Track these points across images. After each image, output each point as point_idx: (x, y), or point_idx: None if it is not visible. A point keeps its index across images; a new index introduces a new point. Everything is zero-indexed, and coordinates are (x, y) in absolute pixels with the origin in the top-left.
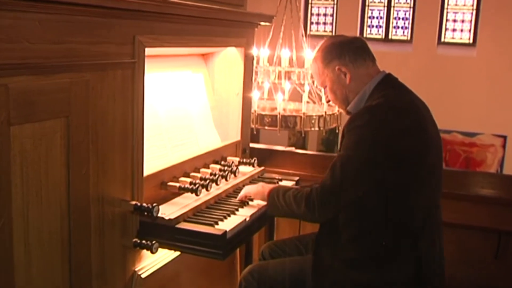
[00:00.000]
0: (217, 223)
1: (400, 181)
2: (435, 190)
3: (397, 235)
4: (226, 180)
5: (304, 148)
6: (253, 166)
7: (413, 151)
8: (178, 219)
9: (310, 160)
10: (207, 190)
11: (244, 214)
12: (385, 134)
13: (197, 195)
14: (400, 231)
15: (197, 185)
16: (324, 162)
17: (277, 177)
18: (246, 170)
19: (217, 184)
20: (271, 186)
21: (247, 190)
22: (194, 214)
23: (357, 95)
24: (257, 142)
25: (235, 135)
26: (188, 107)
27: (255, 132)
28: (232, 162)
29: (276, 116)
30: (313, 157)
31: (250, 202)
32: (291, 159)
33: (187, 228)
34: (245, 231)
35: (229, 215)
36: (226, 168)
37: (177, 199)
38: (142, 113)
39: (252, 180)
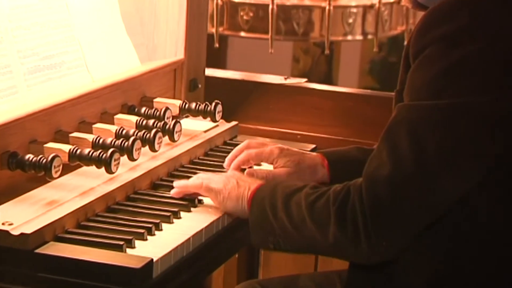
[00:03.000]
0: (131, 244)
1: None
2: None
3: None
4: (153, 148)
5: (328, 81)
6: (214, 118)
7: None
8: (42, 236)
9: (341, 107)
10: (108, 170)
11: (190, 225)
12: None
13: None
14: None
15: (86, 160)
16: (376, 113)
17: (269, 143)
18: (198, 128)
19: (132, 158)
20: (257, 182)
21: (198, 181)
22: (81, 224)
23: None
24: (223, 67)
25: (172, 51)
26: None
27: (217, 45)
28: (166, 109)
29: (266, 7)
30: (350, 101)
31: (203, 200)
32: (300, 105)
33: (64, 255)
34: (193, 263)
35: (158, 226)
36: (152, 122)
37: (41, 191)
38: None
39: (212, 150)
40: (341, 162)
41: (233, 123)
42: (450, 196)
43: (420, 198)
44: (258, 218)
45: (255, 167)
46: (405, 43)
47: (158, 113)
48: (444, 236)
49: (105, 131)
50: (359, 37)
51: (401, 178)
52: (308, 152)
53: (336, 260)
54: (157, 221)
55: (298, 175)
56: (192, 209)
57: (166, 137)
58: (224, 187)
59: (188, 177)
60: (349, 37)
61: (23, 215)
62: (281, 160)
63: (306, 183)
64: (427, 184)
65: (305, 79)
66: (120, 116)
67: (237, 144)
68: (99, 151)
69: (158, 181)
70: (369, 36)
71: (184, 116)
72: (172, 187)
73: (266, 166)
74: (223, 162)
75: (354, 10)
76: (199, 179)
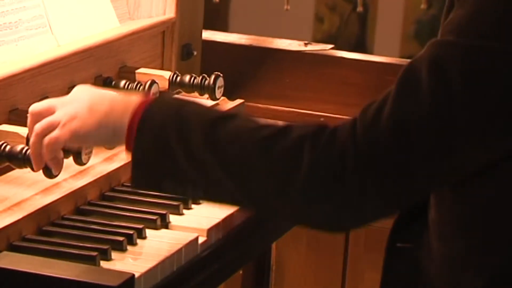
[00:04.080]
0: (106, 255)
1: None
2: None
3: None
4: None
5: (361, 48)
6: (213, 95)
7: None
8: None
9: (377, 81)
10: (78, 161)
11: (182, 232)
12: None
13: (47, 174)
14: None
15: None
16: None
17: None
18: None
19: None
20: (141, 98)
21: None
22: (43, 229)
23: None
24: (225, 29)
25: (159, 8)
26: None
27: (218, 0)
28: (152, 82)
29: None
30: (389, 74)
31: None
32: (324, 79)
33: (20, 269)
34: (186, 280)
35: (141, 233)
36: None
37: None
38: None
39: None
40: None
41: (238, 101)
42: (467, 162)
43: (429, 154)
44: (148, 154)
45: None
46: None
47: (141, 87)
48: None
49: None
50: None
51: (411, 123)
52: None
53: (368, 276)
54: (140, 226)
55: None
56: (184, 211)
57: None
58: (81, 105)
59: None
60: None
61: None
62: None
63: None
64: (443, 137)
65: (331, 45)
66: None
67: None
68: None
69: None
70: None
71: (175, 91)
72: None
73: None
74: None
75: None
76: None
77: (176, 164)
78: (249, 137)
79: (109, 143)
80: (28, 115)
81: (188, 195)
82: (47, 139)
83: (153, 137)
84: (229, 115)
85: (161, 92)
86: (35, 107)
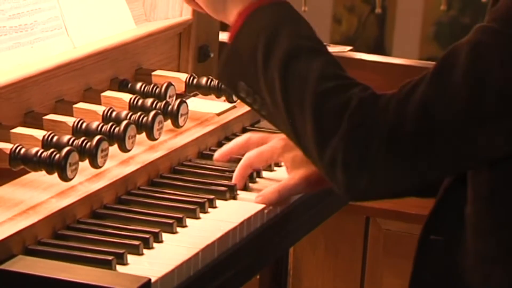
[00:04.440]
0: (122, 259)
1: None
2: None
3: None
4: (151, 136)
5: (380, 49)
6: (230, 97)
7: None
8: (8, 248)
9: (396, 84)
10: (94, 164)
11: (199, 235)
12: None
13: (63, 177)
14: None
15: (66, 150)
16: None
17: (271, 135)
18: (209, 110)
19: (124, 148)
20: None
21: None
22: (58, 232)
23: None
24: None
25: (176, 9)
26: None
27: None
28: (169, 85)
29: None
30: (408, 76)
31: (216, 202)
32: None
33: (35, 273)
34: (203, 285)
35: (157, 237)
36: (150, 101)
37: (5, 189)
38: None
39: (227, 139)
40: None
41: None
42: (491, 149)
43: (454, 138)
44: (240, 52)
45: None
46: None
47: (158, 90)
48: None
49: (90, 112)
50: None
51: (439, 106)
52: None
53: (386, 280)
54: (157, 230)
55: (311, 181)
56: (201, 214)
57: (169, 122)
58: None
59: (196, 174)
60: None
61: None
62: (287, 155)
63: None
64: (471, 124)
65: (350, 47)
66: (108, 93)
67: (259, 132)
68: (82, 138)
69: (158, 178)
70: None
71: (191, 94)
72: (175, 186)
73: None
74: (241, 155)
75: None
76: None
77: (256, 72)
78: (314, 84)
79: (216, 11)
80: None
81: (255, 108)
82: None
83: (248, 39)
84: (316, 51)
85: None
86: None
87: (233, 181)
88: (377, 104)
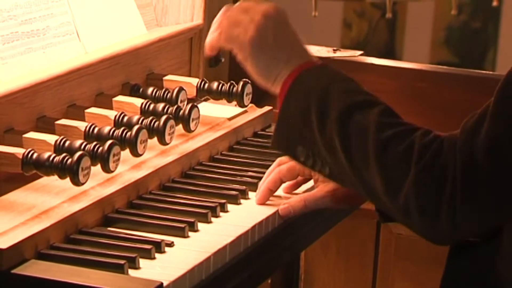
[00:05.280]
0: (134, 263)
1: None
2: None
3: None
4: (163, 140)
5: (390, 54)
6: (241, 102)
7: None
8: (21, 252)
9: (407, 88)
10: (106, 168)
11: (210, 240)
12: None
13: (75, 182)
14: None
15: (78, 155)
16: (455, 96)
17: None
18: (220, 114)
19: (135, 153)
20: (301, 52)
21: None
22: (71, 237)
23: None
24: None
25: (187, 14)
26: None
27: None
28: (180, 89)
29: None
30: (419, 81)
31: (227, 207)
32: None
33: (48, 277)
34: None
35: (168, 241)
36: (162, 106)
37: (18, 194)
38: None
39: (238, 143)
40: None
41: (266, 108)
42: None
43: None
44: (292, 117)
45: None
46: None
47: (169, 94)
48: None
49: (101, 117)
50: None
51: (508, 140)
52: None
53: (398, 285)
54: (168, 234)
55: (337, 197)
56: (213, 219)
57: (180, 126)
58: (257, 32)
59: (208, 178)
60: None
61: None
62: None
63: None
64: None
65: (360, 52)
66: (120, 98)
67: (270, 136)
68: (94, 143)
69: (169, 182)
70: None
71: (202, 99)
72: (187, 190)
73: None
74: (252, 158)
75: None
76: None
77: (312, 134)
78: (373, 136)
79: (267, 80)
80: None
81: (316, 169)
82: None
83: (298, 104)
84: (368, 103)
85: (322, 62)
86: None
87: (259, 194)
88: (443, 147)
